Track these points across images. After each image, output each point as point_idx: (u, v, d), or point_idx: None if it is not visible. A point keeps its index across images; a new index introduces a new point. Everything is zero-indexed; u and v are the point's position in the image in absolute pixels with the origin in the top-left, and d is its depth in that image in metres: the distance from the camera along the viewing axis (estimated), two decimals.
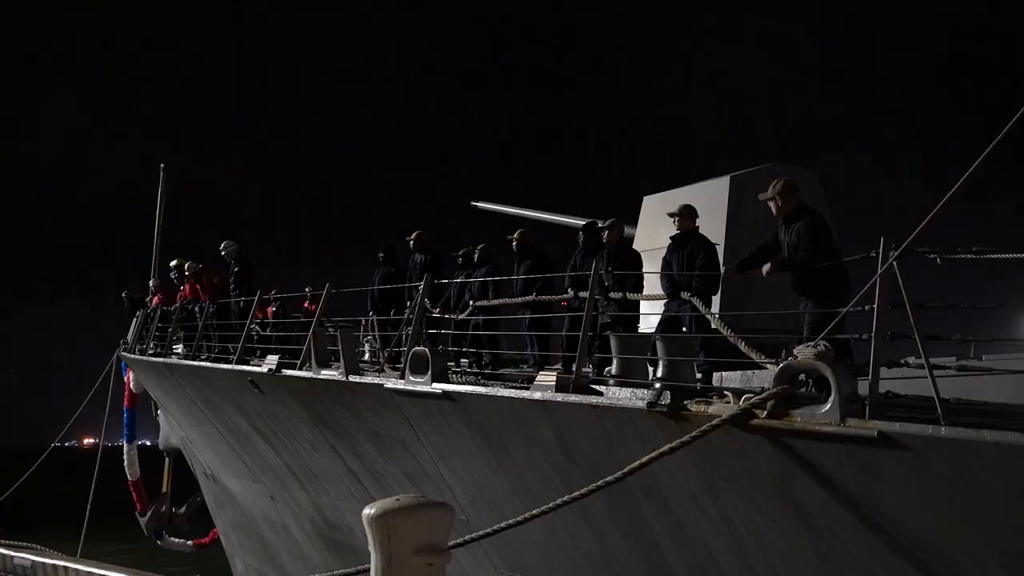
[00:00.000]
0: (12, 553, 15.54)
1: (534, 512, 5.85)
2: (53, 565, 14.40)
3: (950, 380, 6.04)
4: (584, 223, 10.24)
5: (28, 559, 15.12)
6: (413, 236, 11.80)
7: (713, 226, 11.87)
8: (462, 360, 10.80)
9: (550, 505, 5.83)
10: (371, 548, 3.52)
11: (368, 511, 3.54)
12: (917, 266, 5.29)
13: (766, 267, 6.92)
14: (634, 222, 13.54)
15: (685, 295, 7.69)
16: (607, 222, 9.17)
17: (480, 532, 5.88)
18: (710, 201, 12.10)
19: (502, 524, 5.88)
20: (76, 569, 13.85)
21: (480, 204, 18.72)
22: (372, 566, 3.53)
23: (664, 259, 8.36)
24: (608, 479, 5.68)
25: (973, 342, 7.80)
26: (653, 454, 5.59)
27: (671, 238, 8.43)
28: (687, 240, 8.27)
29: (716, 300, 11.26)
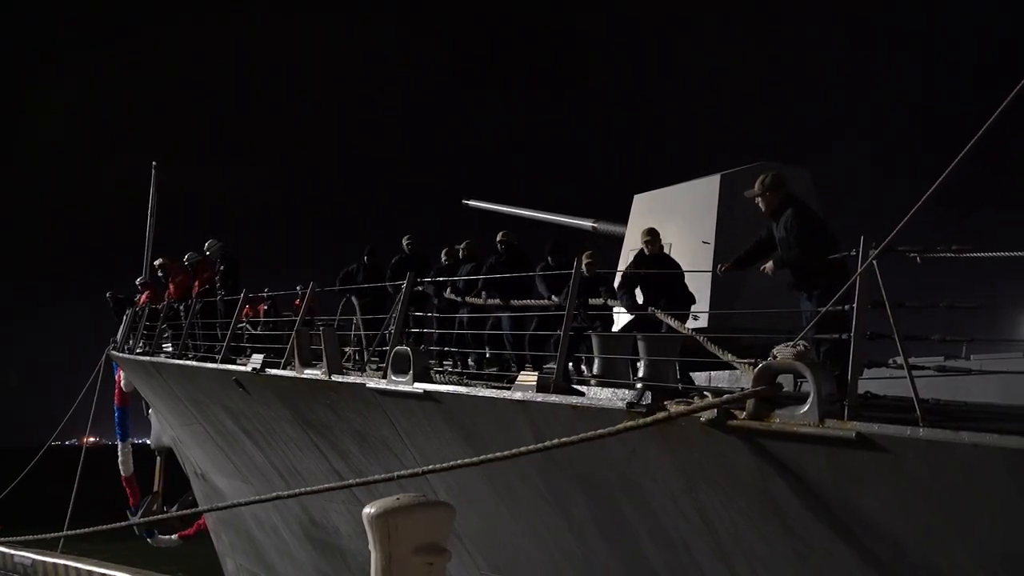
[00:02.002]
0: (12, 551, 15.43)
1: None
2: (54, 564, 14.31)
3: (939, 381, 5.96)
4: (550, 247, 9.76)
5: (29, 557, 15.00)
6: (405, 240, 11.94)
7: (704, 224, 11.83)
8: (446, 361, 10.74)
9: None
10: (371, 547, 3.50)
11: (368, 510, 3.52)
12: (917, 266, 5.18)
13: (768, 265, 6.71)
14: (625, 220, 13.49)
15: (653, 311, 7.63)
16: (586, 255, 8.78)
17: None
18: (701, 199, 12.06)
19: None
20: (76, 568, 13.77)
21: (472, 202, 18.69)
22: (372, 565, 3.51)
23: (625, 275, 8.31)
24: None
25: (965, 343, 7.73)
26: (620, 426, 5.61)
27: (636, 257, 8.38)
28: (657, 260, 8.36)
29: (707, 294, 11.22)
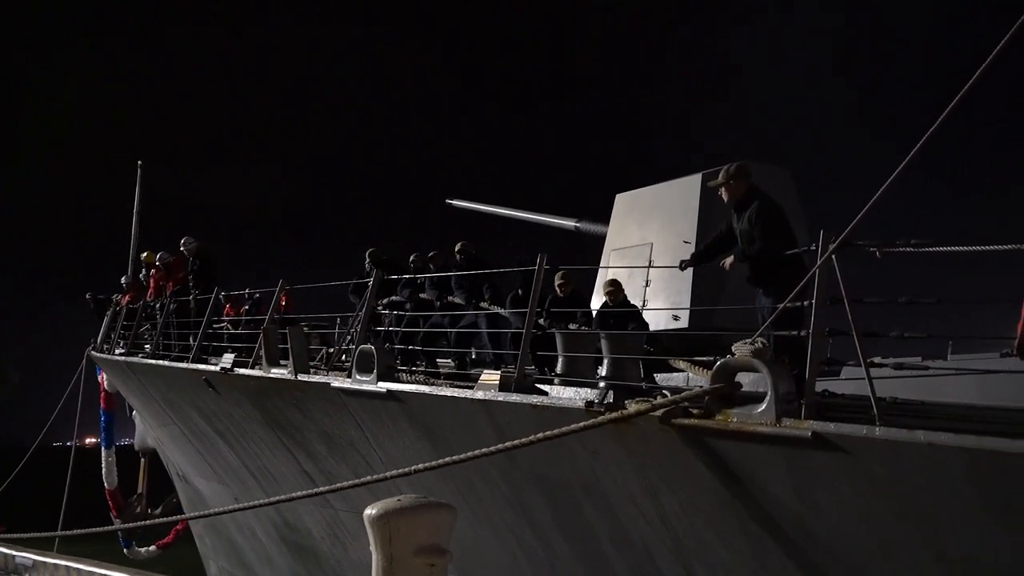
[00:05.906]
0: (13, 552, 15.24)
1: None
2: (55, 564, 14.11)
3: (918, 382, 5.81)
4: (520, 282, 9.65)
5: (30, 558, 14.81)
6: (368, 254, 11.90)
7: (685, 223, 11.70)
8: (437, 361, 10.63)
9: None
10: (372, 548, 3.46)
11: (369, 511, 3.48)
12: (915, 265, 5.00)
13: (728, 260, 6.58)
14: (607, 220, 13.37)
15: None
16: (559, 275, 8.70)
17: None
18: (682, 198, 11.95)
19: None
20: (78, 568, 13.60)
21: (455, 202, 18.59)
22: (373, 566, 3.46)
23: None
24: None
25: (951, 341, 7.55)
26: (576, 426, 5.46)
27: (600, 309, 8.46)
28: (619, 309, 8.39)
29: (687, 294, 11.09)
